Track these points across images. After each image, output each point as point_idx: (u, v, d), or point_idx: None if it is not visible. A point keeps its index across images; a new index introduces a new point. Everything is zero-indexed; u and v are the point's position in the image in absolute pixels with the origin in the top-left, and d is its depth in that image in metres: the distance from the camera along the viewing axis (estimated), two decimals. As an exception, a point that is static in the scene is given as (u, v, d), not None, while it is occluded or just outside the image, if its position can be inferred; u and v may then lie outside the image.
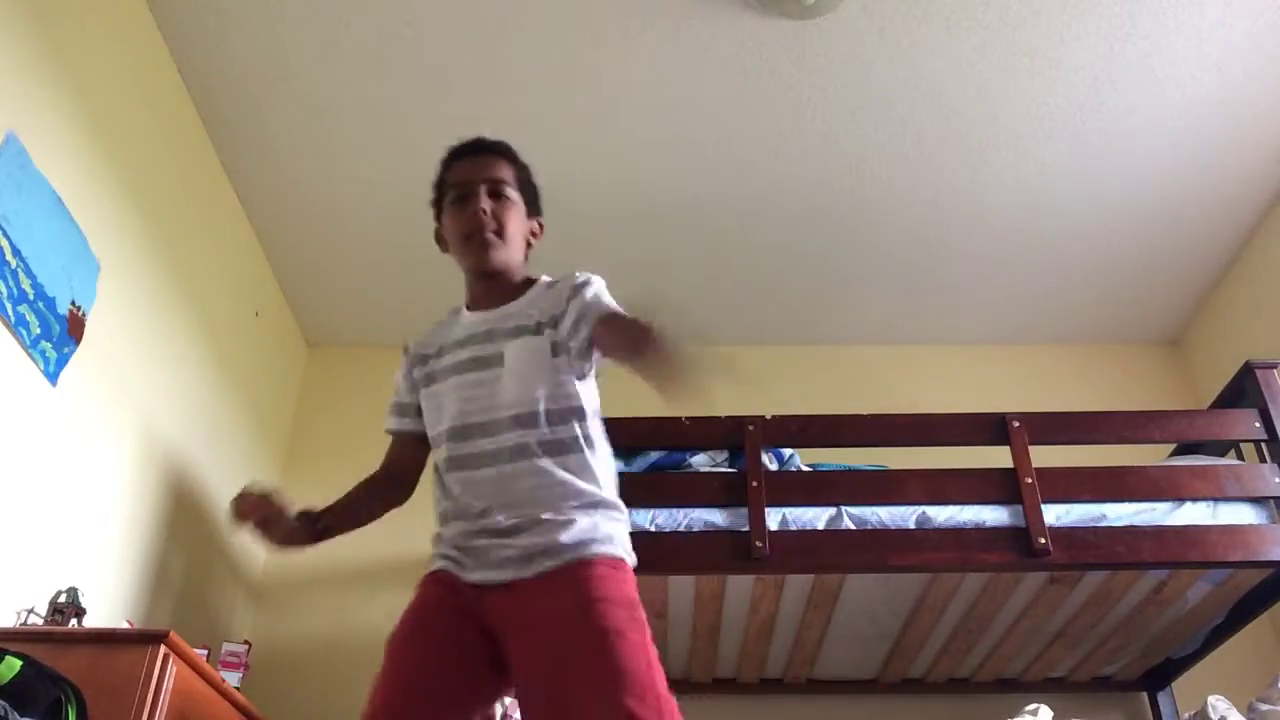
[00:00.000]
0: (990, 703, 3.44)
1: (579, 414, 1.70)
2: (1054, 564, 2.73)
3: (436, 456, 1.79)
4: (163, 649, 2.16)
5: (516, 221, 1.84)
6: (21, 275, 2.45)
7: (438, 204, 1.90)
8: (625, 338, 1.58)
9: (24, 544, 2.47)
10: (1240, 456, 3.12)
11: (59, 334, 2.59)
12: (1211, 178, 3.60)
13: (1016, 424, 2.92)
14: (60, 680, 1.91)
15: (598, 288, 1.76)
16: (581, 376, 1.72)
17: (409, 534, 3.85)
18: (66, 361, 2.63)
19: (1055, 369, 4.25)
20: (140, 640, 2.20)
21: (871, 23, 3.09)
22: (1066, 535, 2.74)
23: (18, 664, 1.84)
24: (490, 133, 1.97)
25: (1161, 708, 3.47)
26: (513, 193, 1.85)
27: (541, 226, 1.94)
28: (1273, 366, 3.01)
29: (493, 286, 1.83)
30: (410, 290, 4.09)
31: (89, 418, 2.76)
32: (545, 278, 1.87)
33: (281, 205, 3.72)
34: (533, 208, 1.91)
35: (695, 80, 3.26)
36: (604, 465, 1.71)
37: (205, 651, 2.62)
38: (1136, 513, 2.80)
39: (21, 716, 1.80)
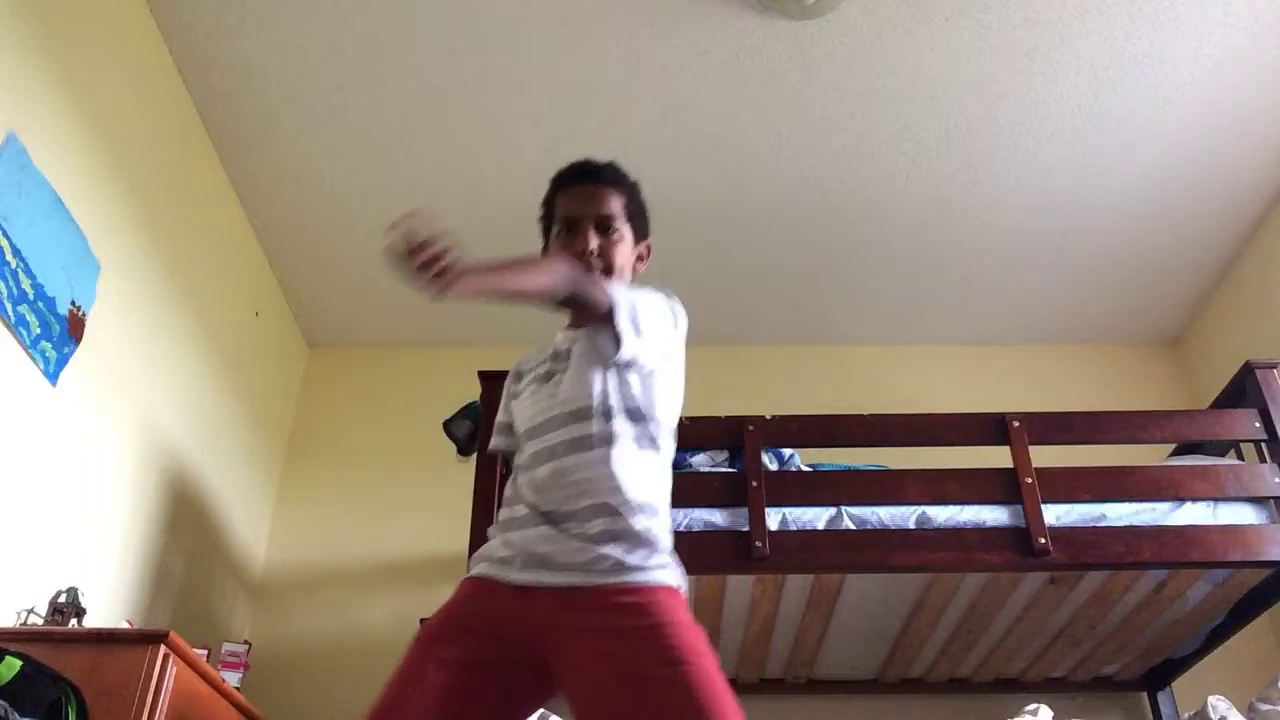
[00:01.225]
0: (990, 703, 3.44)
1: (637, 416, 1.67)
2: (1054, 564, 2.73)
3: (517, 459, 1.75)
4: (163, 649, 2.16)
5: (624, 255, 1.80)
6: (21, 275, 2.45)
7: (545, 229, 1.88)
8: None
9: (24, 544, 2.47)
10: (1240, 456, 3.11)
11: (59, 334, 2.59)
12: (1211, 178, 3.60)
13: (1016, 424, 2.92)
14: (60, 680, 1.91)
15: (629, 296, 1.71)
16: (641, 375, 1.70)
17: (409, 535, 3.87)
18: (66, 361, 2.63)
19: (1055, 369, 4.25)
20: (140, 640, 2.20)
21: (871, 22, 3.09)
22: (1066, 535, 2.74)
23: (18, 664, 1.84)
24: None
25: (1161, 708, 3.47)
26: (622, 225, 1.81)
27: (649, 248, 1.89)
28: (1273, 366, 3.01)
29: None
30: (410, 290, 4.09)
31: (89, 418, 2.76)
32: None
33: (281, 205, 3.72)
34: (641, 233, 1.87)
35: (695, 80, 3.26)
36: (663, 482, 1.72)
37: (205, 651, 2.62)
38: (1136, 513, 2.80)
39: (21, 716, 1.80)
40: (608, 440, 1.62)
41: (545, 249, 1.88)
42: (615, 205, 1.81)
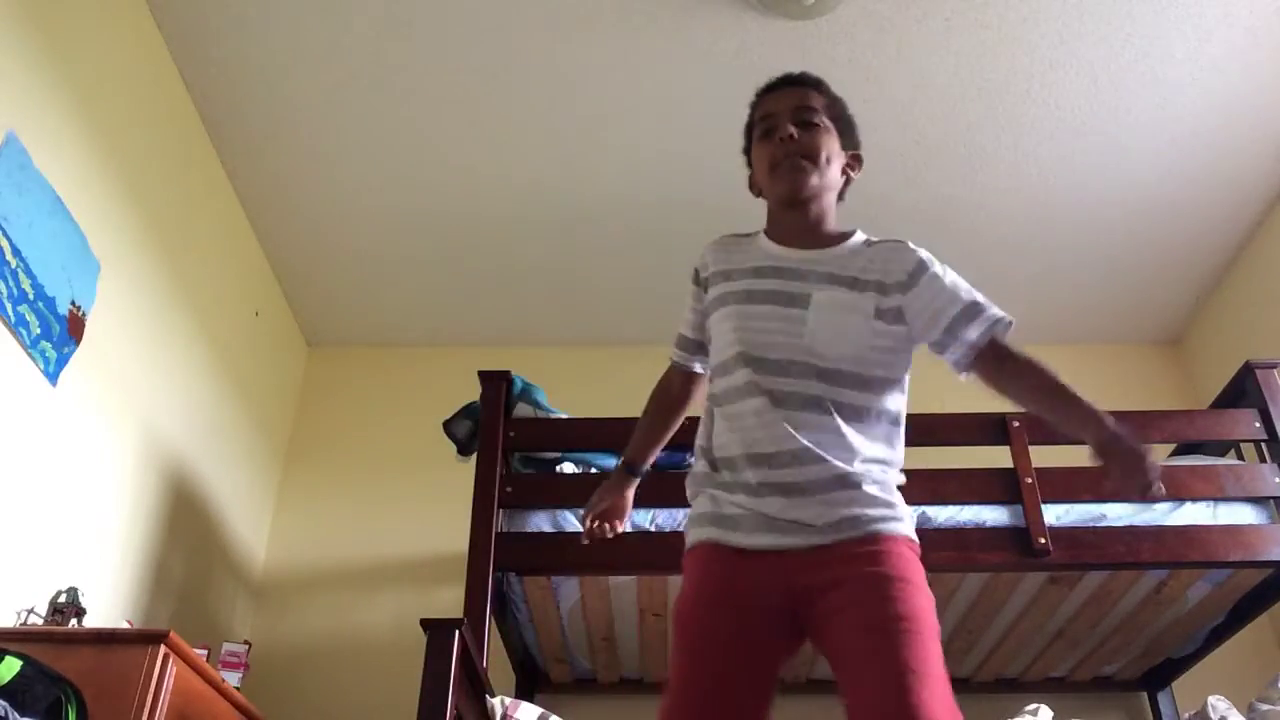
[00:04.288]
0: (990, 703, 3.44)
1: (879, 384, 1.64)
2: (1054, 564, 2.73)
3: (719, 387, 1.68)
4: (163, 649, 2.16)
5: (829, 146, 1.74)
6: (21, 275, 2.45)
7: (748, 144, 1.85)
8: (1074, 420, 1.62)
9: (24, 544, 2.47)
10: (1240, 456, 3.11)
11: (59, 334, 2.59)
12: (1211, 177, 3.60)
13: (1016, 424, 2.92)
14: (60, 680, 1.91)
15: (957, 280, 1.70)
16: (903, 355, 1.69)
17: (409, 535, 3.87)
18: (66, 361, 2.63)
19: (1056, 369, 4.24)
20: (140, 640, 2.20)
21: (871, 23, 3.09)
22: (1066, 535, 2.74)
23: (18, 664, 1.84)
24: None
25: (1161, 708, 3.47)
26: (822, 119, 1.75)
27: (860, 160, 1.83)
28: (1273, 366, 3.01)
29: (803, 222, 1.73)
30: (410, 290, 4.10)
31: (89, 418, 2.76)
32: (860, 234, 1.77)
33: (281, 205, 3.72)
34: (847, 138, 1.80)
35: (695, 81, 3.26)
36: (897, 441, 1.67)
37: (205, 651, 2.62)
38: (1136, 513, 2.80)
39: (21, 716, 1.80)
40: (850, 413, 1.65)
41: (751, 177, 1.88)
42: (815, 101, 1.77)
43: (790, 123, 1.72)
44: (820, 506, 1.54)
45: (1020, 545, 2.72)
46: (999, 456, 2.89)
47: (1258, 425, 2.92)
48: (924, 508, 2.80)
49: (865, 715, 1.38)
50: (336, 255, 3.93)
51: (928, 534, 2.74)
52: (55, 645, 2.12)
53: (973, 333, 1.66)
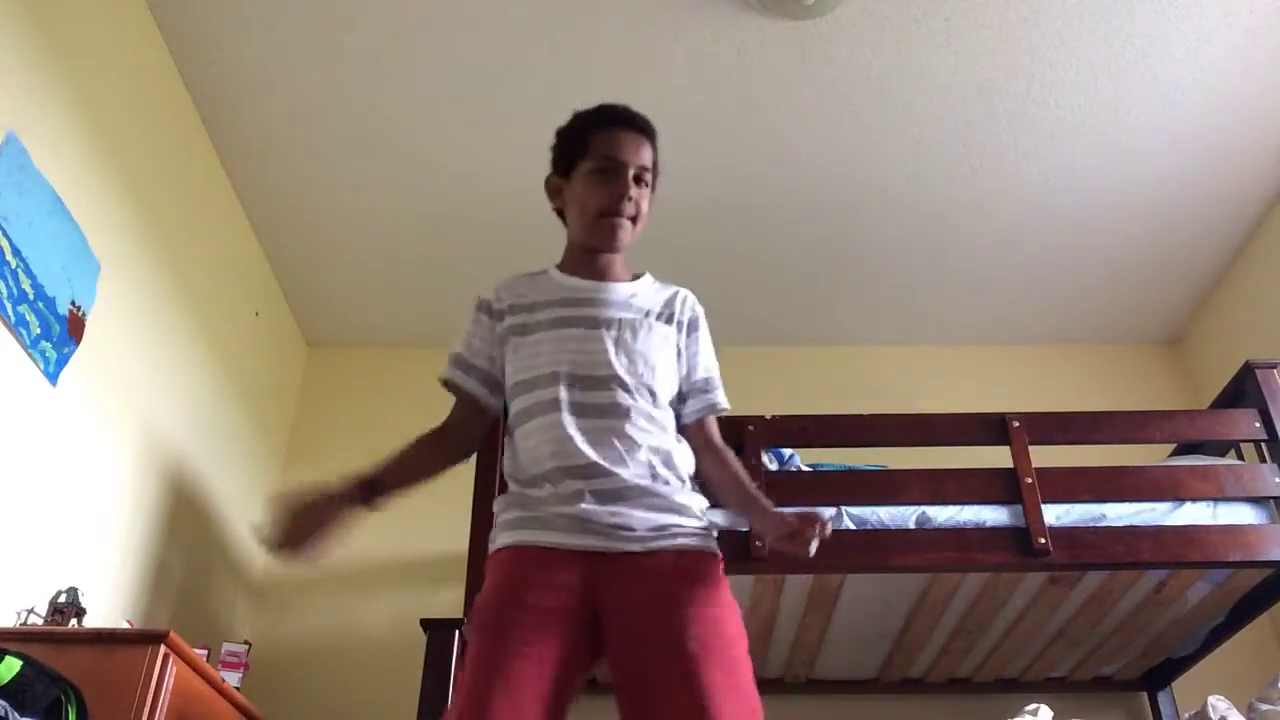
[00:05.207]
0: (990, 703, 3.44)
1: (676, 413, 1.74)
2: (1054, 564, 2.73)
3: (523, 404, 1.69)
4: (163, 649, 2.16)
5: (646, 209, 1.83)
6: (21, 275, 2.45)
7: (567, 158, 1.87)
8: (735, 495, 1.71)
9: (24, 544, 2.47)
10: (1240, 456, 3.11)
11: (59, 334, 2.59)
12: (1211, 177, 3.60)
13: (1016, 424, 2.92)
14: (60, 680, 1.91)
15: (710, 348, 1.84)
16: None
17: (408, 534, 3.86)
18: (66, 361, 2.63)
19: (1055, 369, 4.25)
20: (140, 640, 2.20)
21: (871, 22, 3.09)
22: (1066, 535, 2.74)
23: (18, 664, 1.84)
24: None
25: (1161, 708, 3.47)
26: (650, 180, 1.84)
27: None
28: (1273, 366, 3.01)
29: (602, 263, 1.82)
30: (410, 290, 4.10)
31: (89, 418, 2.76)
32: (649, 275, 1.87)
33: (281, 205, 3.72)
34: (654, 194, 1.90)
35: (695, 80, 3.26)
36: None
37: (205, 651, 2.62)
38: (1136, 513, 2.80)
39: (21, 716, 1.80)
40: (664, 423, 1.71)
41: (552, 182, 1.91)
42: (649, 158, 1.84)
43: (632, 180, 1.79)
44: (639, 511, 1.57)
45: (1020, 545, 2.72)
46: (999, 456, 2.89)
47: (1258, 425, 2.92)
48: (924, 508, 2.80)
49: None
50: (336, 255, 3.93)
51: (928, 534, 2.77)
52: (55, 645, 2.12)
53: (715, 399, 1.81)
